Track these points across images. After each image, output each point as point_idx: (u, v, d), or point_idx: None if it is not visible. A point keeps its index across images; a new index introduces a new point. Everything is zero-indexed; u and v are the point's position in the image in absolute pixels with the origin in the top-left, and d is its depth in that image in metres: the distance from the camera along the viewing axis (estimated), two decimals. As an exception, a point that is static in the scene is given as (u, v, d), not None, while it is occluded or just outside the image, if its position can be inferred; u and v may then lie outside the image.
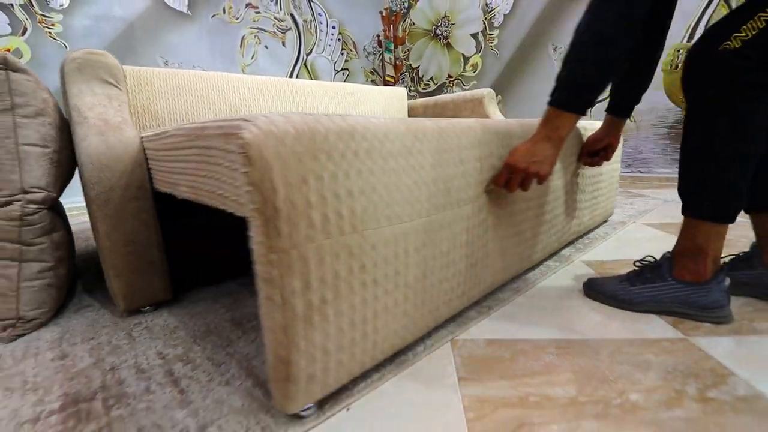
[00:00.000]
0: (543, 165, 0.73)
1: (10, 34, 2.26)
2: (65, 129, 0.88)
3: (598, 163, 1.09)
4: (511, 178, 0.74)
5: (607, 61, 0.70)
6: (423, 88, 3.83)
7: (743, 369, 0.60)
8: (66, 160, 0.88)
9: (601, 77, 0.72)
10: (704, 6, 2.31)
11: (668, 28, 0.88)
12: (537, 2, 2.94)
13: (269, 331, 0.47)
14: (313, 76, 3.48)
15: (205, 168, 0.55)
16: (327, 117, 0.47)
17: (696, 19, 2.34)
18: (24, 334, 0.82)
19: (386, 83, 3.83)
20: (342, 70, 3.67)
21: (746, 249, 0.89)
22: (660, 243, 1.24)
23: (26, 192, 0.79)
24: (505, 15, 3.13)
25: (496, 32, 3.21)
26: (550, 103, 0.75)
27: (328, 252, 0.47)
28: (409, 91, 3.95)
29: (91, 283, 1.10)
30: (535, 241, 0.96)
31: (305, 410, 0.52)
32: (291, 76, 3.36)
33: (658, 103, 2.53)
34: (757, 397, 0.54)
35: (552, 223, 1.02)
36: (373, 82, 3.91)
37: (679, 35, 2.40)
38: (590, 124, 1.17)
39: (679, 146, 2.47)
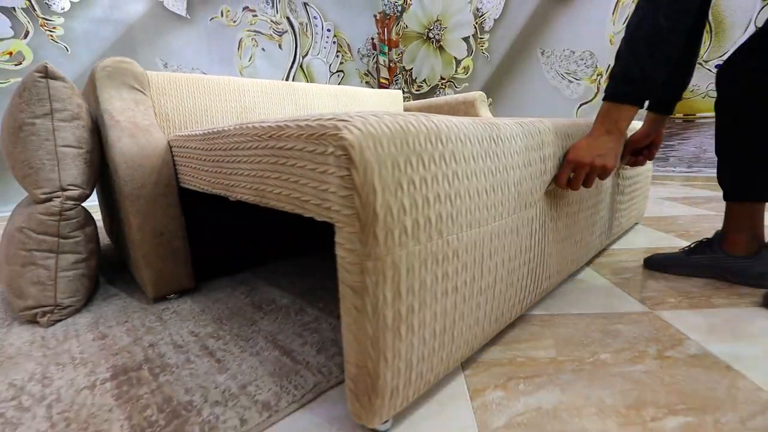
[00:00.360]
0: (607, 158, 0.73)
1: (13, 37, 2.31)
2: (95, 131, 0.96)
3: (642, 163, 1.07)
4: (574, 175, 0.74)
5: (662, 54, 0.71)
6: (416, 90, 3.93)
7: (697, 334, 0.71)
8: (96, 159, 0.96)
9: (658, 71, 0.72)
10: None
11: (707, 17, 0.90)
12: (525, 8, 3.07)
13: (355, 342, 0.46)
14: (308, 77, 3.56)
15: (277, 169, 0.53)
16: (414, 117, 0.47)
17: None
18: (61, 320, 0.90)
19: (381, 85, 3.92)
20: (337, 71, 3.76)
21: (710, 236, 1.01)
22: (660, 242, 1.36)
23: (64, 189, 0.87)
24: (495, 20, 3.25)
25: (486, 36, 3.33)
26: (607, 98, 0.76)
27: (417, 259, 0.46)
28: (403, 92, 4.05)
29: (111, 276, 1.17)
30: (584, 244, 0.95)
31: (384, 423, 0.51)
32: (287, 78, 3.44)
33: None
34: (705, 355, 0.65)
35: (598, 224, 1.03)
36: (368, 84, 4.01)
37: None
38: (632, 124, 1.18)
39: (663, 147, 2.61)
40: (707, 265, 0.97)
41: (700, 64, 2.42)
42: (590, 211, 0.94)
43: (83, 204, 0.93)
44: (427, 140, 0.46)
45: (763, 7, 2.23)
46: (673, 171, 2.60)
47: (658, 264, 1.04)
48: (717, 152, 0.95)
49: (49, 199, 0.86)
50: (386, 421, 0.51)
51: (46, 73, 0.84)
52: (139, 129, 0.92)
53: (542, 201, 0.71)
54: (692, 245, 1.01)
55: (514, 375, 0.62)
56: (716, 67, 2.39)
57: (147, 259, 0.92)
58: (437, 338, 0.52)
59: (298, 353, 0.71)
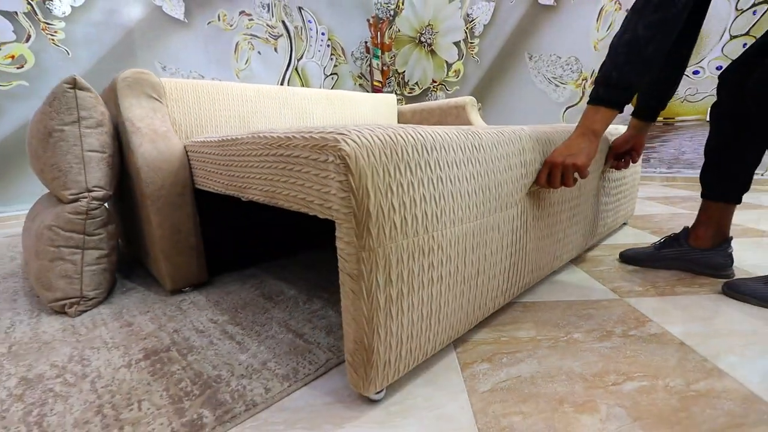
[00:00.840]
0: (578, 157, 0.78)
1: (15, 41, 2.36)
2: (116, 136, 1.04)
3: (624, 167, 1.15)
4: (551, 174, 0.80)
5: (640, 61, 0.77)
6: (409, 93, 4.03)
7: (658, 317, 0.82)
8: (117, 163, 1.03)
9: (635, 77, 0.78)
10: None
11: (698, 33, 0.95)
12: (514, 15, 3.18)
13: (353, 322, 0.54)
14: (303, 80, 3.64)
15: (286, 174, 0.62)
16: (402, 129, 0.55)
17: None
18: (86, 310, 0.98)
19: (374, 88, 4.01)
20: (331, 74, 3.84)
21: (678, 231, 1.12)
22: (642, 238, 1.47)
23: (90, 190, 0.95)
24: (485, 25, 3.36)
25: (476, 41, 3.44)
26: (588, 102, 0.83)
27: (405, 251, 0.54)
28: (396, 95, 4.14)
29: (125, 272, 1.25)
30: (566, 242, 1.03)
31: (378, 393, 0.59)
32: (283, 81, 3.52)
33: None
34: (663, 334, 0.76)
35: (582, 224, 1.10)
36: (361, 86, 4.09)
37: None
38: (615, 129, 1.24)
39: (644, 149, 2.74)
40: (674, 257, 1.08)
41: (679, 70, 2.56)
42: (572, 212, 1.03)
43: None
44: (414, 149, 0.54)
45: (737, 17, 2.36)
46: (654, 172, 2.73)
47: (631, 258, 1.15)
48: (706, 153, 1.02)
49: (77, 200, 0.94)
50: (380, 391, 0.59)
51: (75, 84, 0.92)
52: (158, 135, 1.00)
53: (523, 202, 0.80)
54: (662, 240, 1.12)
55: (499, 351, 0.71)
56: (717, 68, 2.53)
57: (166, 254, 1.00)
58: (424, 320, 0.61)
59: (309, 336, 0.80)
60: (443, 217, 0.60)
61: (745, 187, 0.97)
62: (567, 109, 3.04)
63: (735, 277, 1.00)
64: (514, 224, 0.78)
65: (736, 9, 2.35)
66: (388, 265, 0.53)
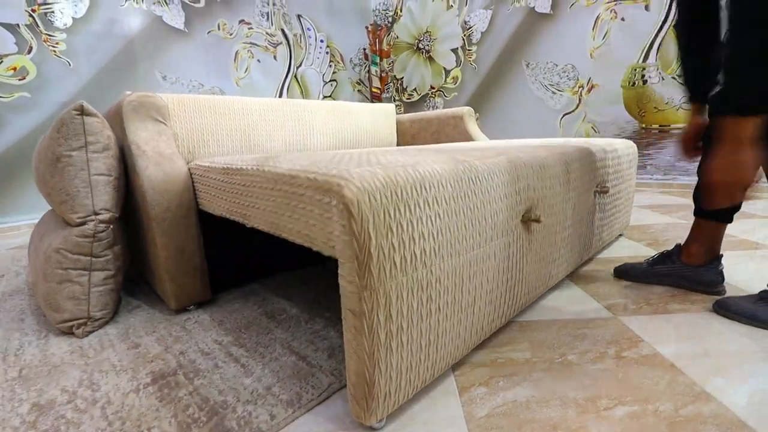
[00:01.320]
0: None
1: (17, 53, 2.38)
2: (122, 158, 1.06)
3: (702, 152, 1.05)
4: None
5: (681, 48, 1.01)
6: (407, 98, 4.06)
7: (650, 337, 0.84)
8: (123, 185, 1.06)
9: (684, 63, 1.01)
10: (656, 30, 2.61)
11: (716, 10, 0.96)
12: (511, 22, 3.21)
13: (355, 356, 0.56)
14: (302, 87, 3.66)
15: (290, 209, 0.64)
16: (402, 169, 0.57)
17: (649, 42, 2.64)
18: (93, 331, 1.00)
19: (373, 94, 4.04)
20: (330, 81, 3.87)
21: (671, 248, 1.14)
22: (637, 251, 1.50)
23: (97, 213, 0.98)
24: (482, 32, 3.39)
25: (474, 48, 3.47)
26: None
27: (405, 287, 0.56)
28: (394, 100, 4.17)
29: (129, 287, 1.27)
30: (562, 261, 1.05)
31: (379, 422, 0.61)
32: (282, 88, 3.54)
33: (619, 117, 2.83)
34: (654, 355, 0.78)
35: (578, 242, 1.12)
36: (360, 92, 4.12)
37: (635, 56, 2.70)
38: (607, 143, 1.28)
39: (640, 155, 2.76)
40: (667, 273, 1.10)
41: (674, 78, 2.59)
42: (567, 232, 1.06)
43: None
44: (413, 188, 0.57)
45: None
46: (651, 178, 2.76)
47: (625, 273, 1.18)
48: (698, 172, 1.02)
49: (84, 223, 0.96)
50: (380, 420, 0.61)
51: (82, 111, 0.94)
52: (164, 158, 1.02)
53: (519, 228, 0.83)
54: (655, 257, 1.15)
55: (496, 374, 0.74)
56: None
57: (171, 274, 1.02)
58: (423, 350, 0.63)
59: (312, 358, 0.82)
60: (441, 251, 0.63)
61: (738, 208, 0.99)
62: (564, 116, 3.07)
63: (726, 295, 1.02)
64: (510, 250, 0.81)
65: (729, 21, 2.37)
66: (389, 302, 0.55)
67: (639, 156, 2.82)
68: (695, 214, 1.06)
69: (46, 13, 2.45)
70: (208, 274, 1.10)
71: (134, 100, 1.04)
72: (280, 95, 3.54)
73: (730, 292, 1.03)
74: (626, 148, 1.42)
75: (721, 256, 1.03)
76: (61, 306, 0.97)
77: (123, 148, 1.06)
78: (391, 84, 4.14)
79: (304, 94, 3.69)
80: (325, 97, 3.85)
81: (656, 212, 2.01)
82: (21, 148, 2.43)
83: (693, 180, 2.63)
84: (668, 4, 2.54)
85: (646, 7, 2.63)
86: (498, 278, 0.79)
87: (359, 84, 4.11)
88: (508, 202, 0.78)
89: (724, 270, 1.04)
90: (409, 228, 0.57)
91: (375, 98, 4.08)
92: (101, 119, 0.99)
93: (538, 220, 0.86)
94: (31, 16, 2.41)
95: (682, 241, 1.10)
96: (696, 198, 1.06)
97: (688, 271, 1.07)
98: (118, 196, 1.03)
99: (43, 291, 0.99)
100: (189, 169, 1.05)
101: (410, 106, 4.06)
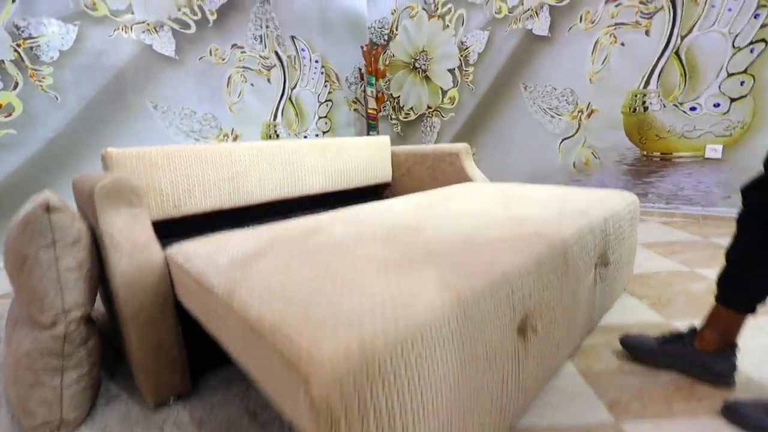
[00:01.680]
0: None
1: (2, 89, 2.32)
2: (95, 245, 1.01)
3: None
4: None
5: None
6: (404, 117, 4.00)
7: (655, 455, 0.79)
8: (96, 273, 1.00)
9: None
10: (657, 57, 2.55)
11: None
12: (508, 43, 3.15)
13: None
14: (297, 109, 3.60)
15: (257, 355, 0.59)
16: (383, 333, 0.51)
17: (650, 68, 2.58)
18: (66, 432, 0.95)
19: (369, 115, 3.98)
20: (326, 101, 3.81)
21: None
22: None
23: (67, 312, 0.92)
24: (479, 53, 3.33)
25: (471, 69, 3.40)
26: None
27: None
28: (391, 119, 4.11)
29: (110, 368, 1.22)
30: (561, 348, 0.99)
31: None
32: (276, 111, 3.48)
33: (619, 143, 2.77)
34: (661, 484, 0.73)
35: (577, 324, 1.07)
36: (356, 111, 4.06)
37: (635, 82, 2.64)
38: (608, 210, 1.21)
39: (638, 182, 2.71)
40: (677, 356, 1.04)
41: (676, 105, 2.53)
42: (568, 318, 0.99)
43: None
44: (393, 355, 0.51)
45: (734, 54, 2.33)
46: (653, 207, 2.70)
47: (633, 348, 1.11)
48: (727, 259, 0.97)
49: (54, 323, 0.91)
50: None
51: (48, 209, 0.89)
52: (138, 248, 0.96)
53: (514, 340, 0.77)
54: (666, 336, 1.08)
55: None
56: (715, 105, 2.49)
57: (147, 370, 0.97)
58: None
59: (293, 485, 0.77)
60: (427, 424, 0.57)
61: (763, 300, 0.93)
62: (563, 140, 3.01)
63: (735, 396, 0.95)
64: (504, 370, 0.75)
65: (733, 46, 2.31)
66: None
67: (640, 183, 2.76)
68: (716, 299, 0.99)
69: (32, 48, 2.40)
70: (187, 363, 1.04)
71: (106, 185, 0.98)
72: (275, 118, 3.48)
73: (739, 379, 0.98)
74: (627, 205, 1.36)
75: (736, 345, 0.97)
76: (33, 411, 0.91)
77: (96, 235, 1.01)
78: (388, 102, 4.08)
79: (299, 115, 3.64)
80: (320, 117, 3.79)
81: (660, 254, 1.95)
82: (7, 187, 2.38)
83: (695, 210, 2.59)
84: (669, 31, 2.48)
85: (647, 32, 2.56)
86: (492, 405, 0.74)
87: (355, 102, 4.05)
88: (501, 322, 0.72)
89: (737, 360, 0.98)
90: (386, 406, 0.51)
91: (371, 119, 4.02)
92: (70, 213, 0.94)
93: (535, 330, 0.80)
94: (16, 51, 2.36)
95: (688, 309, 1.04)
96: (720, 285, 0.98)
97: (698, 357, 1.00)
98: (90, 288, 0.97)
99: (14, 395, 0.94)
100: (166, 257, 0.99)
101: (408, 125, 4.00)
